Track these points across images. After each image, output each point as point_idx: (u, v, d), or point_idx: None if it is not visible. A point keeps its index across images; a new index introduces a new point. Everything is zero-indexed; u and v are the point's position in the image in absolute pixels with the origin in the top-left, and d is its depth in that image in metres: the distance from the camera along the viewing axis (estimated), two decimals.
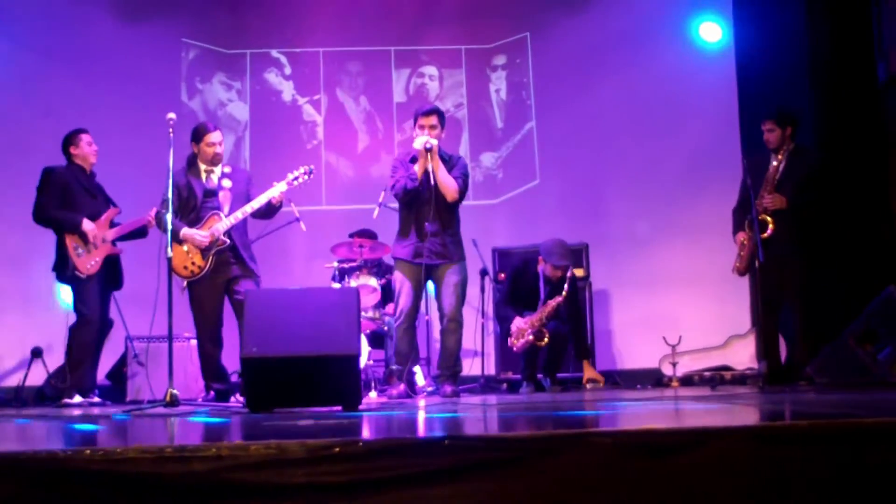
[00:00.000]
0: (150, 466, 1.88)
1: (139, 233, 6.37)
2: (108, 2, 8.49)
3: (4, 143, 7.73)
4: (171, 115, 5.35)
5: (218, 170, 5.97)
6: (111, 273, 6.21)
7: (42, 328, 7.30)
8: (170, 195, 5.16)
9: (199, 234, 5.70)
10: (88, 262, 5.97)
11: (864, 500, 1.97)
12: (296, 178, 5.92)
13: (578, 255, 7.40)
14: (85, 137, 6.26)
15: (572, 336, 6.75)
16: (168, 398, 4.66)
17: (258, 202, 5.78)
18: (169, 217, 5.09)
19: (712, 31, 8.29)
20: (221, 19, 9.17)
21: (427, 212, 5.74)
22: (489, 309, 7.65)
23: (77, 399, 5.95)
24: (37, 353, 6.97)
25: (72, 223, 5.95)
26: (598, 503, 1.92)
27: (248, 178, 6.13)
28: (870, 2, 7.01)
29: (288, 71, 9.29)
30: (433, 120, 5.82)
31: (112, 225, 6.19)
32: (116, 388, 7.03)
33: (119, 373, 7.05)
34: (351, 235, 7.41)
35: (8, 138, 7.76)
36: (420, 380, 6.80)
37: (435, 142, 5.72)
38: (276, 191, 5.80)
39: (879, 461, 1.95)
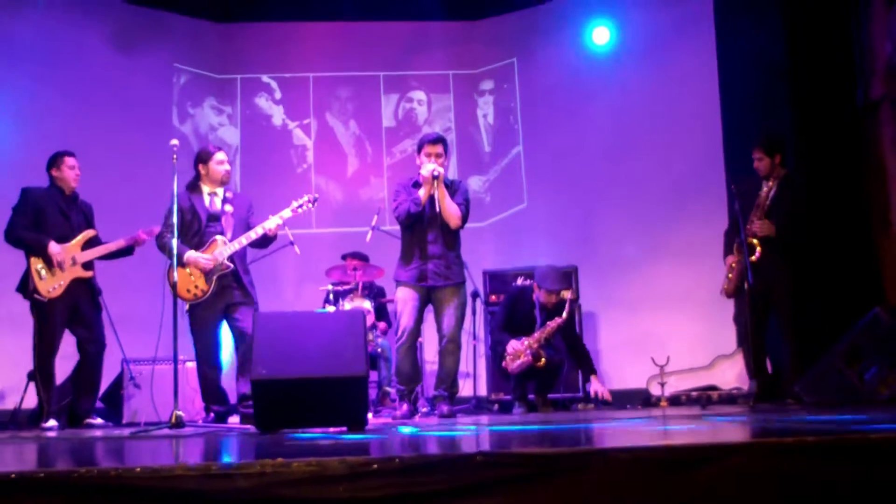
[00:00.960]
0: (197, 483, 1.97)
1: (125, 252, 6.37)
2: (101, 29, 8.56)
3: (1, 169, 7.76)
4: (175, 142, 5.41)
5: (220, 193, 6.04)
6: (85, 296, 6.20)
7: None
8: (175, 220, 5.21)
9: (203, 258, 5.76)
10: (51, 286, 5.95)
11: None
12: (300, 206, 5.97)
13: (568, 277, 7.51)
14: (68, 160, 6.26)
15: (573, 357, 6.88)
16: (173, 420, 4.73)
17: (255, 233, 5.83)
18: (175, 242, 5.16)
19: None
20: (212, 45, 9.31)
21: (430, 235, 5.86)
22: (480, 331, 7.75)
23: (51, 423, 5.95)
24: (33, 375, 6.94)
25: (38, 244, 5.96)
26: None
27: (250, 204, 6.19)
28: (850, 27, 7.19)
29: (278, 95, 9.42)
30: (439, 148, 5.94)
31: (90, 245, 6.21)
32: (111, 410, 7.04)
33: (115, 395, 7.07)
34: (344, 257, 7.51)
35: (4, 164, 7.78)
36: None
37: (441, 170, 5.83)
38: (271, 222, 5.84)
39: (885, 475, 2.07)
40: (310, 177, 9.28)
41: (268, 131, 9.37)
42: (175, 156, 5.28)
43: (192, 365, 6.33)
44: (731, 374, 7.52)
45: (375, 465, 2.02)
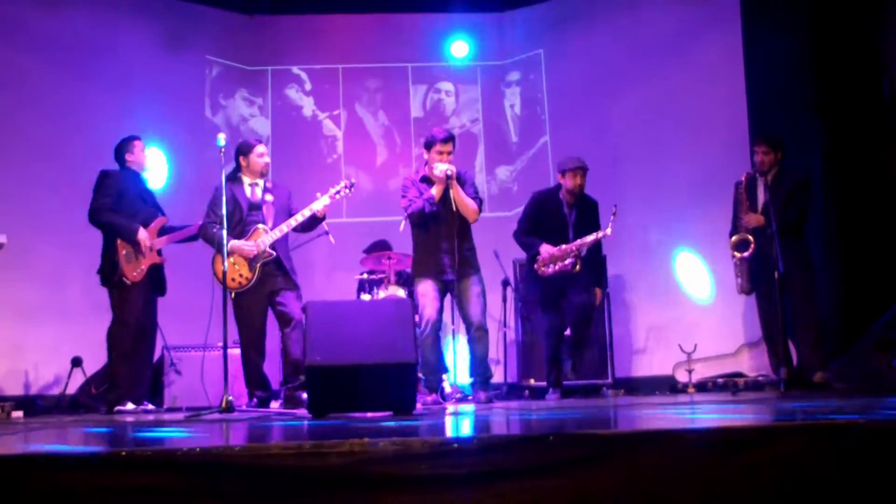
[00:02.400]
0: (293, 461, 2.13)
1: (189, 238, 6.51)
2: (136, 23, 8.72)
3: (42, 160, 7.93)
4: (221, 136, 5.51)
5: (261, 183, 6.21)
6: (156, 280, 6.38)
7: (77, 338, 7.50)
8: (224, 212, 5.36)
9: (247, 245, 5.93)
10: (135, 270, 6.13)
11: None
12: (338, 192, 6.13)
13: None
14: (138, 144, 6.46)
15: (592, 271, 6.88)
16: (224, 405, 4.90)
17: (302, 215, 6.01)
18: (224, 234, 5.32)
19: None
20: (243, 37, 9.46)
21: (446, 230, 6.00)
22: (510, 318, 7.91)
23: (129, 406, 6.13)
24: (77, 362, 7.14)
25: (129, 231, 6.12)
26: (684, 492, 2.18)
27: (289, 192, 6.36)
28: (875, 20, 7.27)
29: (308, 87, 9.57)
30: (450, 147, 6.13)
31: (161, 233, 6.39)
32: (152, 395, 7.22)
33: (156, 381, 7.24)
34: (367, 251, 7.69)
35: (45, 155, 7.96)
36: (446, 387, 7.05)
37: (454, 168, 5.99)
38: (319, 203, 6.03)
39: None
40: (340, 167, 9.44)
41: (298, 122, 9.53)
42: (223, 151, 5.39)
43: (233, 352, 6.50)
44: (757, 362, 7.65)
45: (455, 445, 2.18)
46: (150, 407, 6.35)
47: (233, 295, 5.95)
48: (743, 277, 6.33)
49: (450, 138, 6.17)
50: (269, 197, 6.18)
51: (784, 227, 6.10)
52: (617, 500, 2.16)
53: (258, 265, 5.96)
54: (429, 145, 6.16)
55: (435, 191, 6.03)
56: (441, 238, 6.04)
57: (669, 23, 8.66)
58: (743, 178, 6.37)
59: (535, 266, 6.72)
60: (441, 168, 5.97)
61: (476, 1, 9.49)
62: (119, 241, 6.12)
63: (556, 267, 6.61)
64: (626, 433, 2.23)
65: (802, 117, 7.45)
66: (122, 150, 6.45)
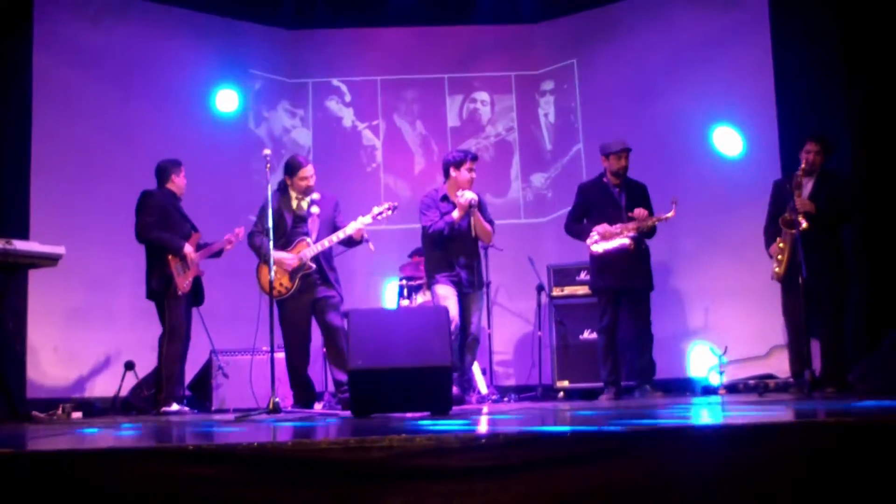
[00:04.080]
0: (339, 454, 2.40)
1: (216, 254, 7.00)
2: (182, 39, 9.05)
3: (88, 171, 8.29)
4: (267, 152, 5.81)
5: (308, 197, 6.47)
6: (195, 291, 6.79)
7: (128, 343, 7.86)
8: (270, 224, 5.64)
9: (287, 257, 6.22)
10: (185, 282, 6.57)
11: None
12: (380, 213, 6.37)
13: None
14: (182, 169, 6.84)
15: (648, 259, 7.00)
16: (271, 405, 5.20)
17: (344, 232, 6.25)
18: (270, 245, 5.60)
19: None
20: (285, 51, 9.78)
21: (462, 248, 6.43)
22: (545, 322, 8.13)
23: (175, 407, 6.50)
24: (129, 365, 7.48)
25: (176, 246, 6.55)
26: (688, 485, 2.42)
27: (336, 204, 6.60)
28: None
29: (348, 98, 9.86)
30: (475, 164, 6.55)
31: (198, 248, 6.78)
32: (200, 398, 7.55)
33: (204, 384, 7.56)
34: (411, 255, 7.97)
35: (90, 167, 8.32)
36: (483, 388, 7.30)
37: (477, 197, 6.35)
38: (359, 223, 6.26)
39: None
40: (379, 175, 9.72)
41: (338, 132, 9.83)
42: (268, 164, 5.68)
43: (279, 356, 6.78)
44: (787, 364, 7.80)
45: (484, 440, 2.43)
46: (186, 409, 6.70)
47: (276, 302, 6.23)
48: (783, 262, 6.40)
49: (477, 158, 6.59)
50: (315, 209, 6.43)
51: (828, 222, 6.28)
52: (629, 494, 2.40)
53: (298, 276, 6.24)
54: (458, 164, 6.48)
55: (456, 214, 6.37)
56: (458, 254, 6.46)
57: (699, 31, 8.81)
58: (799, 172, 6.36)
59: (588, 242, 6.83)
60: (466, 196, 6.31)
61: (510, 13, 9.72)
62: (170, 257, 6.49)
63: (614, 245, 6.72)
64: (636, 431, 2.47)
65: (831, 124, 7.56)
66: (167, 171, 6.83)
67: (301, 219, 6.42)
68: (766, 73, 8.30)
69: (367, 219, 6.31)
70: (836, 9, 7.67)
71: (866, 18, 7.44)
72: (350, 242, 6.40)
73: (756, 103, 8.34)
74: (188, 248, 6.57)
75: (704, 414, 3.72)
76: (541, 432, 2.49)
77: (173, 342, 6.60)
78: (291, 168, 6.46)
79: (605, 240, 6.76)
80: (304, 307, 6.31)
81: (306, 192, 6.45)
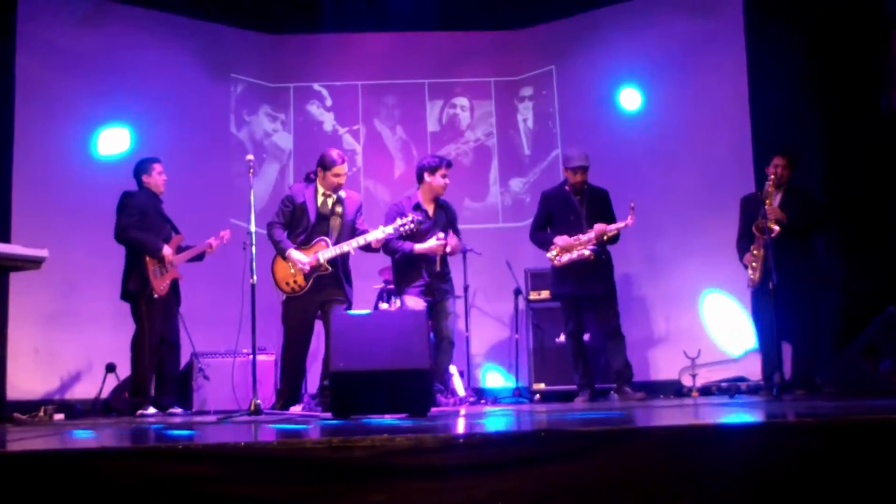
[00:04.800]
0: (324, 453, 2.51)
1: (198, 257, 7.04)
2: (164, 43, 9.11)
3: (69, 174, 8.39)
4: (250, 157, 5.91)
5: (334, 195, 6.45)
6: (174, 296, 6.85)
7: (110, 345, 7.89)
8: (253, 228, 5.70)
9: (301, 261, 6.22)
10: (162, 284, 6.60)
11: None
12: (403, 225, 6.29)
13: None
14: (156, 167, 6.87)
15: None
16: (252, 407, 5.29)
17: (365, 239, 6.25)
18: (254, 251, 5.68)
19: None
20: (267, 56, 9.88)
21: (431, 259, 6.57)
22: (521, 325, 8.27)
23: (151, 410, 6.56)
24: (111, 368, 7.51)
25: (154, 247, 6.58)
26: (653, 482, 2.55)
27: (359, 206, 6.61)
28: (873, 40, 7.56)
29: (329, 103, 9.97)
30: (449, 171, 6.73)
31: (179, 250, 6.83)
32: (181, 399, 7.59)
33: (184, 386, 7.62)
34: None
35: (72, 170, 8.41)
36: (460, 390, 7.42)
37: (449, 248, 6.53)
38: (380, 233, 6.26)
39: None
40: (359, 179, 9.82)
41: (319, 137, 9.91)
42: (251, 170, 5.78)
43: (260, 358, 6.86)
44: (759, 367, 7.96)
45: (461, 440, 2.55)
46: (179, 411, 6.74)
47: (284, 298, 6.32)
48: (757, 269, 6.56)
49: (451, 163, 6.76)
50: (339, 209, 6.43)
51: (799, 229, 6.46)
52: (601, 489, 2.53)
53: (313, 276, 6.26)
54: (433, 169, 6.59)
55: (419, 248, 6.51)
56: (430, 265, 6.59)
57: (675, 38, 8.97)
58: (768, 184, 6.53)
59: (550, 257, 6.97)
60: (439, 244, 6.48)
61: (490, 20, 9.86)
62: (147, 258, 6.54)
63: (574, 256, 6.84)
64: (603, 430, 2.60)
65: (804, 132, 7.75)
66: (140, 170, 6.87)
67: (324, 217, 6.39)
68: (741, 81, 8.47)
69: (390, 229, 6.27)
70: (808, 21, 7.84)
71: (836, 31, 7.63)
72: (367, 248, 6.38)
73: (732, 110, 8.50)
74: (167, 250, 6.60)
75: (668, 415, 3.85)
76: (514, 433, 2.62)
77: (140, 343, 6.62)
78: (326, 163, 6.40)
79: (566, 252, 6.88)
80: (311, 307, 6.33)
81: (335, 189, 6.41)
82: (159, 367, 6.82)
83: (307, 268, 6.24)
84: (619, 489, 2.49)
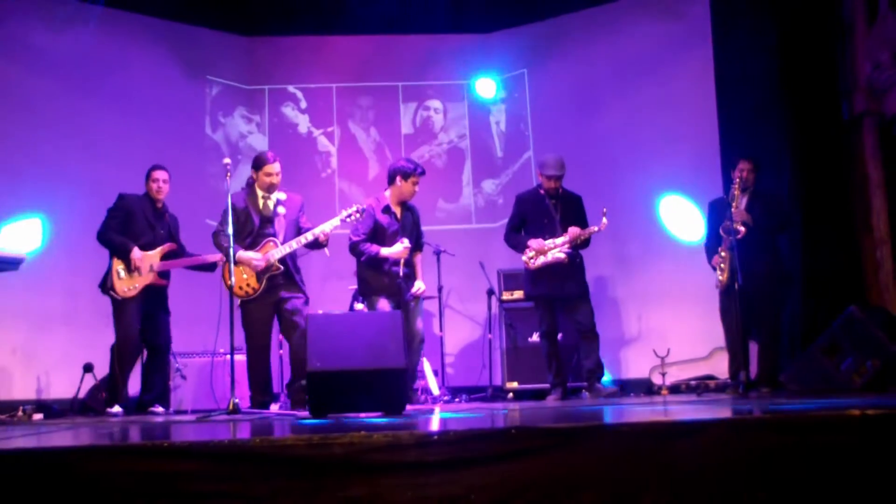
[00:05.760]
0: (304, 450, 2.62)
1: (206, 267, 7.01)
2: (140, 44, 9.19)
3: (46, 175, 8.41)
4: (227, 161, 5.99)
5: (274, 196, 6.53)
6: (156, 300, 6.86)
7: (87, 345, 7.94)
8: (230, 231, 5.79)
9: (255, 258, 6.30)
10: (127, 286, 6.62)
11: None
12: (349, 216, 6.44)
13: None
14: (156, 174, 6.89)
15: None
16: (231, 407, 5.37)
17: (313, 234, 6.34)
18: (231, 252, 5.77)
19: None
20: (242, 58, 9.96)
21: (398, 266, 6.61)
22: (494, 325, 8.40)
23: (116, 409, 6.61)
24: (88, 367, 7.56)
25: (123, 248, 6.63)
26: (619, 476, 2.68)
27: (301, 204, 6.68)
28: (836, 48, 7.75)
29: (304, 105, 10.06)
30: (420, 179, 6.81)
31: (171, 257, 6.87)
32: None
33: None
34: None
35: (48, 171, 8.44)
36: (435, 389, 7.55)
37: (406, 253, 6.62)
38: (328, 226, 6.37)
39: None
40: (334, 181, 9.93)
41: (294, 139, 10.02)
42: (228, 174, 5.87)
43: (238, 357, 6.91)
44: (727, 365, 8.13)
45: (436, 437, 2.67)
46: (160, 410, 6.80)
47: (239, 302, 6.35)
48: (725, 271, 6.69)
49: (424, 172, 6.85)
50: (281, 210, 6.50)
51: (765, 230, 6.60)
52: (567, 484, 2.65)
53: (265, 277, 6.35)
54: (406, 175, 6.67)
55: (385, 252, 6.58)
56: (392, 265, 6.63)
57: (645, 42, 9.13)
58: (733, 188, 6.66)
59: (524, 259, 7.08)
60: (403, 252, 6.57)
61: (463, 23, 9.97)
62: (114, 259, 6.63)
63: (548, 259, 6.95)
64: (571, 427, 2.73)
65: (770, 135, 7.90)
66: (146, 176, 6.92)
67: (268, 219, 6.47)
68: (708, 84, 8.61)
69: (336, 221, 6.40)
70: (775, 21, 7.98)
71: (801, 35, 7.78)
72: (315, 245, 6.48)
73: (700, 112, 8.65)
74: (135, 253, 6.60)
75: (635, 412, 3.99)
76: (486, 429, 2.74)
77: (116, 345, 6.71)
78: (258, 163, 6.51)
79: (541, 254, 6.99)
80: (268, 307, 6.40)
81: (269, 189, 6.49)
82: (143, 367, 6.89)
83: (261, 266, 6.31)
84: (586, 483, 2.61)
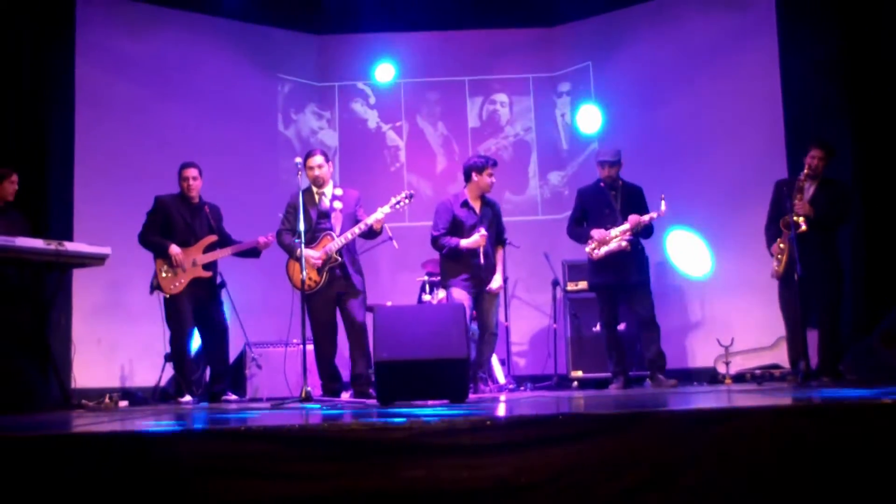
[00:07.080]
0: (366, 433, 2.85)
1: (250, 253, 7.30)
2: (213, 45, 9.54)
3: (126, 174, 8.78)
4: (298, 160, 6.24)
5: (329, 191, 6.76)
6: (205, 293, 7.17)
7: (162, 336, 8.28)
8: (301, 227, 6.06)
9: (314, 256, 6.55)
10: (173, 283, 6.97)
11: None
12: (398, 202, 6.65)
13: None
14: (185, 172, 7.18)
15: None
16: (303, 395, 5.64)
17: (366, 224, 6.54)
18: (302, 250, 6.04)
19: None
20: (312, 56, 10.26)
21: (476, 251, 6.74)
22: (559, 314, 8.56)
23: (187, 398, 6.96)
24: (169, 357, 7.91)
25: (160, 247, 6.98)
26: (660, 459, 2.85)
27: (357, 199, 6.88)
28: None
29: (372, 101, 10.32)
30: (495, 169, 6.96)
31: (213, 248, 7.14)
32: (235, 388, 8.00)
33: (238, 374, 8.02)
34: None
35: (129, 170, 8.81)
36: (500, 378, 7.74)
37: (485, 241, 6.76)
38: (380, 213, 6.55)
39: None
40: (402, 175, 10.17)
41: (363, 134, 10.28)
42: (300, 172, 6.13)
43: (311, 347, 7.16)
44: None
45: (489, 422, 2.88)
46: (233, 398, 7.12)
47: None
48: (782, 262, 6.70)
49: (497, 163, 7.01)
50: (337, 204, 6.73)
51: (824, 227, 6.63)
52: (610, 465, 2.84)
53: (326, 270, 6.60)
54: (480, 169, 6.86)
55: (464, 243, 6.75)
56: (472, 256, 6.79)
57: (709, 32, 9.16)
58: (801, 176, 6.71)
59: (587, 250, 7.24)
60: (477, 242, 6.72)
61: (528, 17, 10.13)
62: (157, 259, 6.99)
63: (612, 247, 7.10)
64: (617, 413, 2.91)
65: (836, 124, 7.86)
66: (178, 175, 7.23)
67: (325, 214, 6.69)
68: (773, 72, 8.62)
69: (386, 208, 6.57)
70: (841, 13, 7.96)
71: (870, 23, 7.74)
72: (371, 234, 6.67)
73: (764, 102, 8.65)
74: (174, 250, 6.90)
75: (686, 399, 4.14)
76: (535, 416, 2.94)
77: (172, 339, 7.09)
78: (305, 157, 6.75)
79: (603, 244, 7.13)
80: (330, 300, 6.63)
81: (316, 182, 6.70)
82: (207, 359, 7.29)
83: (319, 262, 6.55)
84: (626, 466, 2.79)
